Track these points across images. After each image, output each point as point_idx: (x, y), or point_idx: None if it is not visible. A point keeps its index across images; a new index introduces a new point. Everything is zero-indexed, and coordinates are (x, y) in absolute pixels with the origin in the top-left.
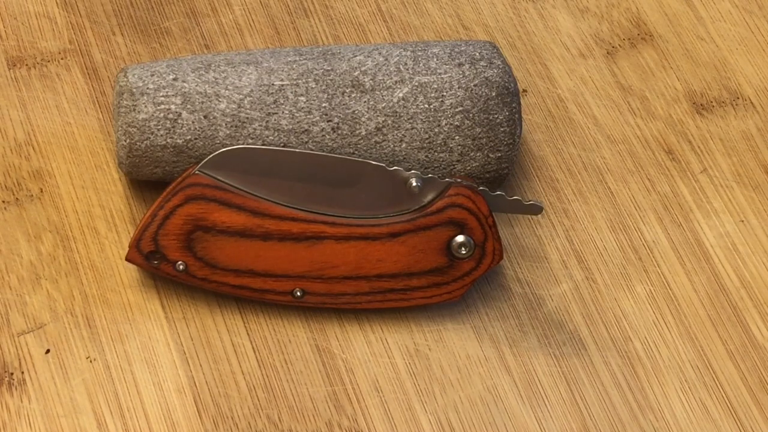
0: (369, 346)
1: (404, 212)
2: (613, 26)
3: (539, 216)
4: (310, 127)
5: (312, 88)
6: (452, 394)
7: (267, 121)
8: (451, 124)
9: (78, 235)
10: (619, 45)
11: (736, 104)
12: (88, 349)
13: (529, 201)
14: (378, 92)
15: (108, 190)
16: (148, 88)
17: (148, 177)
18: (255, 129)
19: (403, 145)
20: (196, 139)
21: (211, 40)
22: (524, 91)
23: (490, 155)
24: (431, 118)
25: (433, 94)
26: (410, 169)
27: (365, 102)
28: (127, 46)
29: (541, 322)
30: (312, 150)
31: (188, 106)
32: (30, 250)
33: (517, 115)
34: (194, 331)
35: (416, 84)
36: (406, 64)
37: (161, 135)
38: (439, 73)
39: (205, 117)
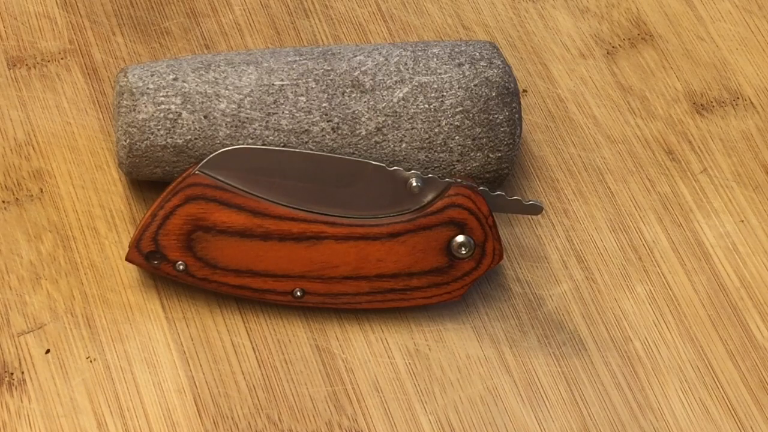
0: (369, 346)
1: (404, 212)
2: (613, 26)
3: (539, 216)
4: (310, 127)
5: (312, 88)
6: (452, 394)
7: (267, 121)
8: (451, 124)
9: (78, 235)
10: (619, 45)
11: (736, 104)
12: (88, 349)
13: (529, 201)
14: (378, 92)
15: (108, 190)
16: (148, 88)
17: (148, 177)
18: (255, 129)
19: (403, 145)
20: (196, 139)
21: (211, 40)
22: (524, 91)
23: (490, 155)
24: (431, 118)
25: (433, 94)
26: (410, 169)
27: (365, 102)
28: (127, 46)
29: (541, 322)
30: (312, 150)
31: (188, 106)
32: (30, 250)
33: (517, 115)
34: (194, 331)
35: (416, 84)
36: (406, 64)
37: (161, 135)
38: (439, 73)
39: (205, 117)
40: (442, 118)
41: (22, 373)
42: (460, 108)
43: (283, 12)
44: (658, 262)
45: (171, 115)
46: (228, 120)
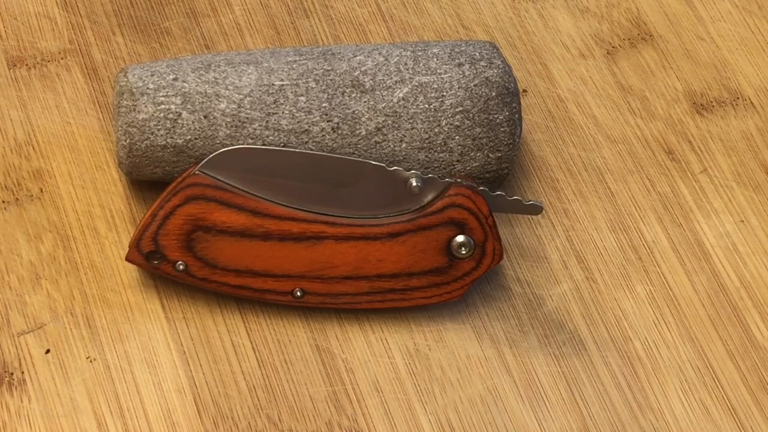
0: (369, 346)
1: (404, 212)
2: (613, 26)
3: (539, 216)
4: (310, 127)
5: (312, 88)
6: (452, 394)
7: (267, 121)
8: (451, 124)
9: (78, 235)
10: (619, 45)
11: (736, 104)
12: (88, 349)
13: (529, 201)
14: (378, 92)
15: (108, 190)
16: (148, 88)
17: (148, 177)
18: (255, 129)
19: (403, 145)
20: (196, 139)
21: (211, 40)
22: (524, 91)
23: (490, 155)
24: (431, 118)
25: (433, 94)
26: (410, 169)
27: (365, 102)
28: (127, 46)
29: (541, 322)
30: (312, 150)
31: (188, 106)
32: (30, 250)
33: (517, 115)
34: (194, 331)
35: (416, 84)
36: (406, 64)
37: (161, 135)
38: (439, 73)
39: (205, 117)
40: (442, 118)
41: (22, 373)
42: (460, 108)
43: (283, 12)
44: (658, 262)
45: (171, 115)
46: (228, 120)
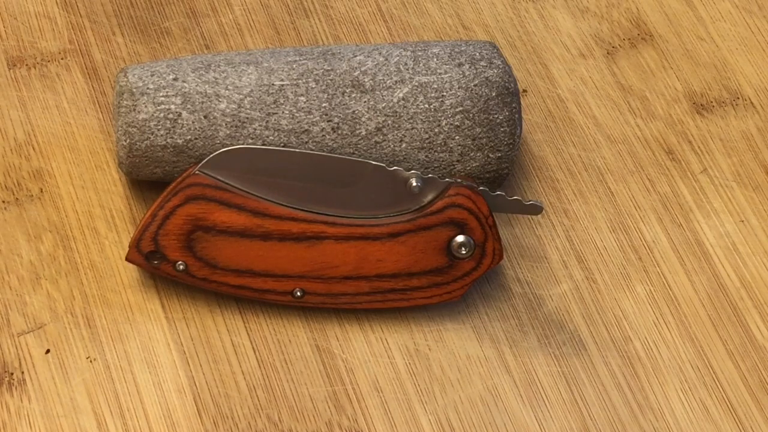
0: (369, 346)
1: (404, 212)
2: (613, 26)
3: (539, 216)
4: (310, 127)
5: (312, 88)
6: (452, 394)
7: (267, 121)
8: (451, 124)
9: (78, 235)
10: (619, 45)
11: (736, 104)
12: (88, 349)
13: (529, 201)
14: (378, 92)
15: (108, 190)
16: (148, 88)
17: (148, 177)
18: (255, 129)
19: (403, 145)
20: (196, 139)
21: (211, 40)
22: (524, 91)
23: (490, 155)
24: (431, 118)
25: (433, 94)
26: (410, 169)
27: (365, 102)
28: (127, 46)
29: (541, 322)
30: (312, 150)
31: (188, 106)
32: (30, 250)
33: (517, 115)
34: (194, 331)
35: (416, 84)
36: (406, 64)
37: (161, 135)
38: (439, 73)
39: (205, 117)
40: (442, 118)
41: (22, 373)
42: (460, 108)
43: (283, 12)
44: (658, 262)
45: (171, 115)
46: (228, 120)
